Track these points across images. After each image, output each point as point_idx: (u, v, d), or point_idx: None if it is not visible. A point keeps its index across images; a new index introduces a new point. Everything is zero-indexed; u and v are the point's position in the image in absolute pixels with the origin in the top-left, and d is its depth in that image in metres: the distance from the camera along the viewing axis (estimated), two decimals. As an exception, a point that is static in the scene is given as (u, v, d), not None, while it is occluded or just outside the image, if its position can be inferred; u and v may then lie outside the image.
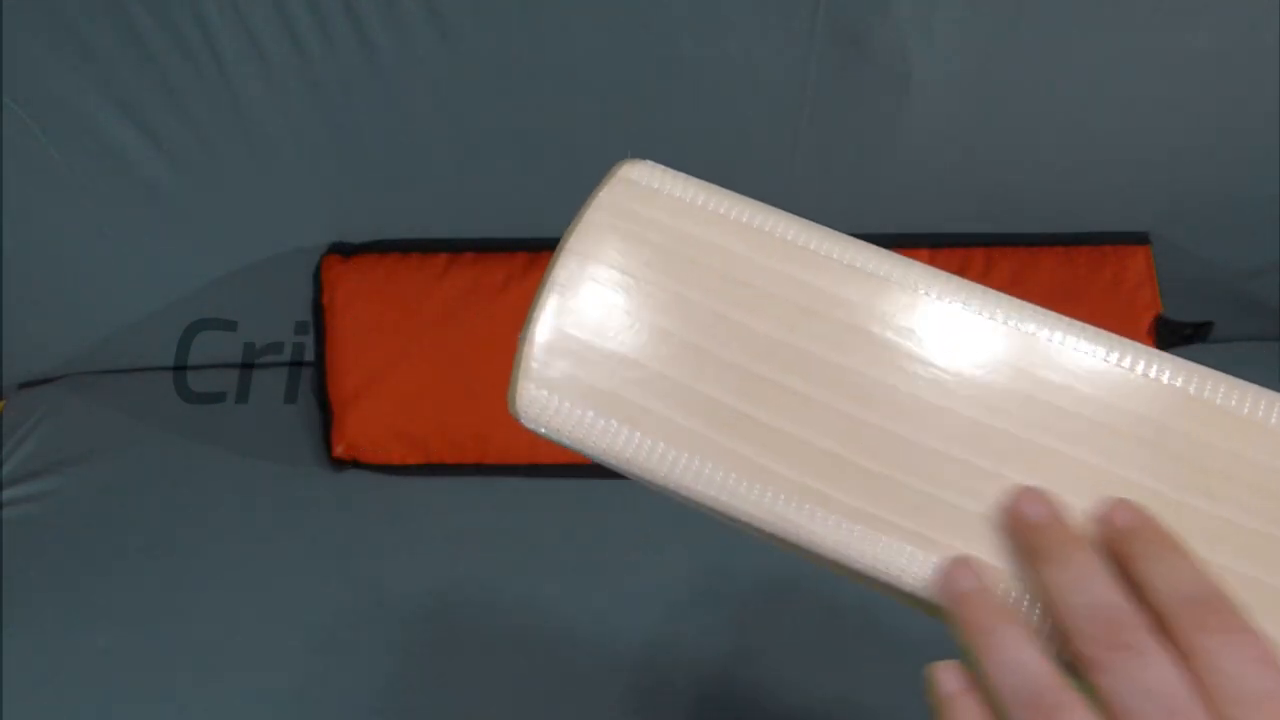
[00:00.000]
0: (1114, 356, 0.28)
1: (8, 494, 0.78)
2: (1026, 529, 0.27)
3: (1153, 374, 0.27)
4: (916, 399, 0.27)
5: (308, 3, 0.66)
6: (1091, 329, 0.28)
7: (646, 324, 0.28)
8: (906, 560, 0.26)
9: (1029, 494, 0.27)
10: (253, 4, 0.66)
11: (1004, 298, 0.28)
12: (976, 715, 0.25)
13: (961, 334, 0.28)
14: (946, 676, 0.26)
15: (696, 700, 0.63)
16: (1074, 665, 0.24)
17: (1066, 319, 0.28)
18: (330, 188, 0.77)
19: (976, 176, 0.75)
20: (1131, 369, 0.27)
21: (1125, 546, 0.26)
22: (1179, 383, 0.27)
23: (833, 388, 0.27)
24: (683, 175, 0.30)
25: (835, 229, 0.31)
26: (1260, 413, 0.26)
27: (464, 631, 0.69)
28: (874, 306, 0.28)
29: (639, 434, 0.27)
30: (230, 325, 0.84)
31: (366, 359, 0.78)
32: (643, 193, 0.30)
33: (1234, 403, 0.26)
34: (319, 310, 0.78)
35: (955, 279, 0.29)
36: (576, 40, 0.68)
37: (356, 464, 0.79)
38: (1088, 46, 0.68)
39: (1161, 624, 0.24)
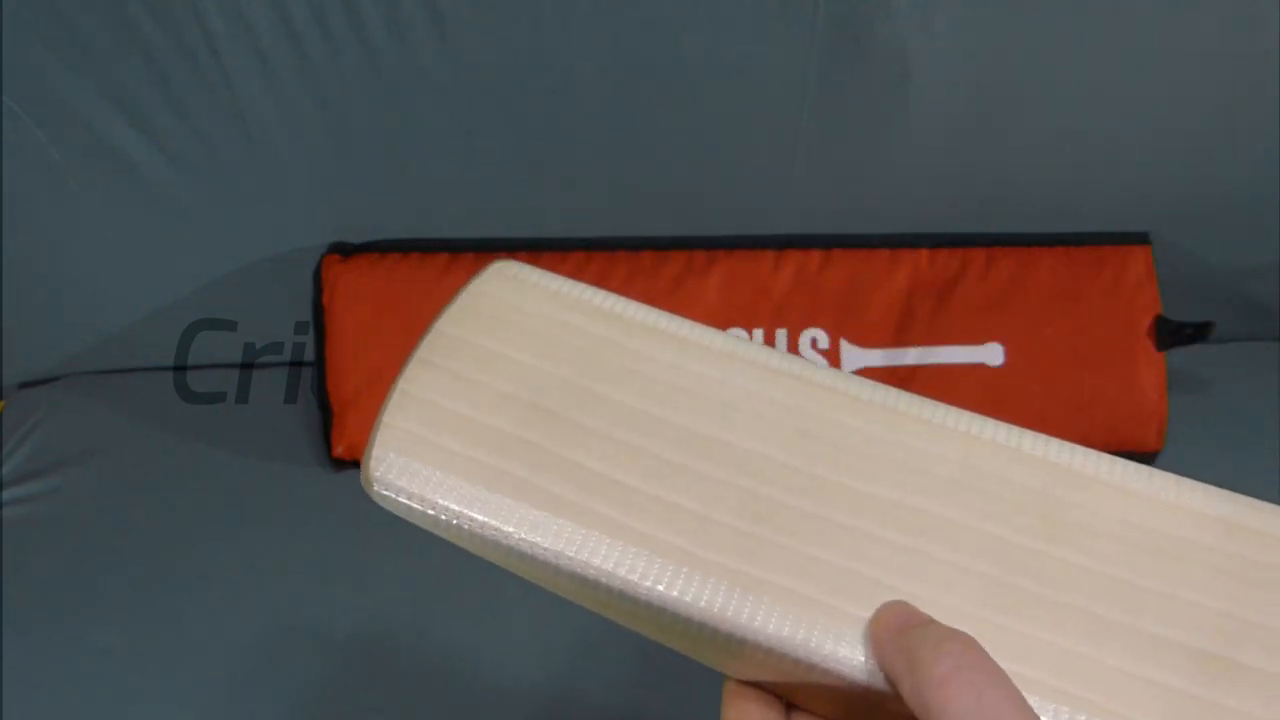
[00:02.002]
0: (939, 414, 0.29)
1: (8, 494, 0.78)
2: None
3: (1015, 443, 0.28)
4: (763, 457, 0.28)
5: (308, 3, 0.66)
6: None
7: (508, 395, 0.29)
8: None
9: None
10: (253, 4, 0.66)
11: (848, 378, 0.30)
12: None
13: (816, 403, 0.29)
14: None
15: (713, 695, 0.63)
16: None
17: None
18: (330, 188, 0.77)
19: (976, 176, 0.75)
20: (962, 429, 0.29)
21: None
22: (1039, 452, 0.28)
23: (690, 452, 0.28)
24: (549, 272, 0.33)
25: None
26: (1122, 477, 0.27)
27: (463, 632, 0.69)
28: (727, 379, 0.30)
29: (499, 495, 0.28)
30: (230, 325, 0.84)
31: (366, 359, 0.78)
32: (512, 282, 0.32)
33: (1095, 469, 0.27)
34: (319, 310, 0.78)
35: (789, 357, 0.30)
36: (576, 40, 0.68)
37: (356, 464, 0.79)
38: (1088, 46, 0.68)
39: None
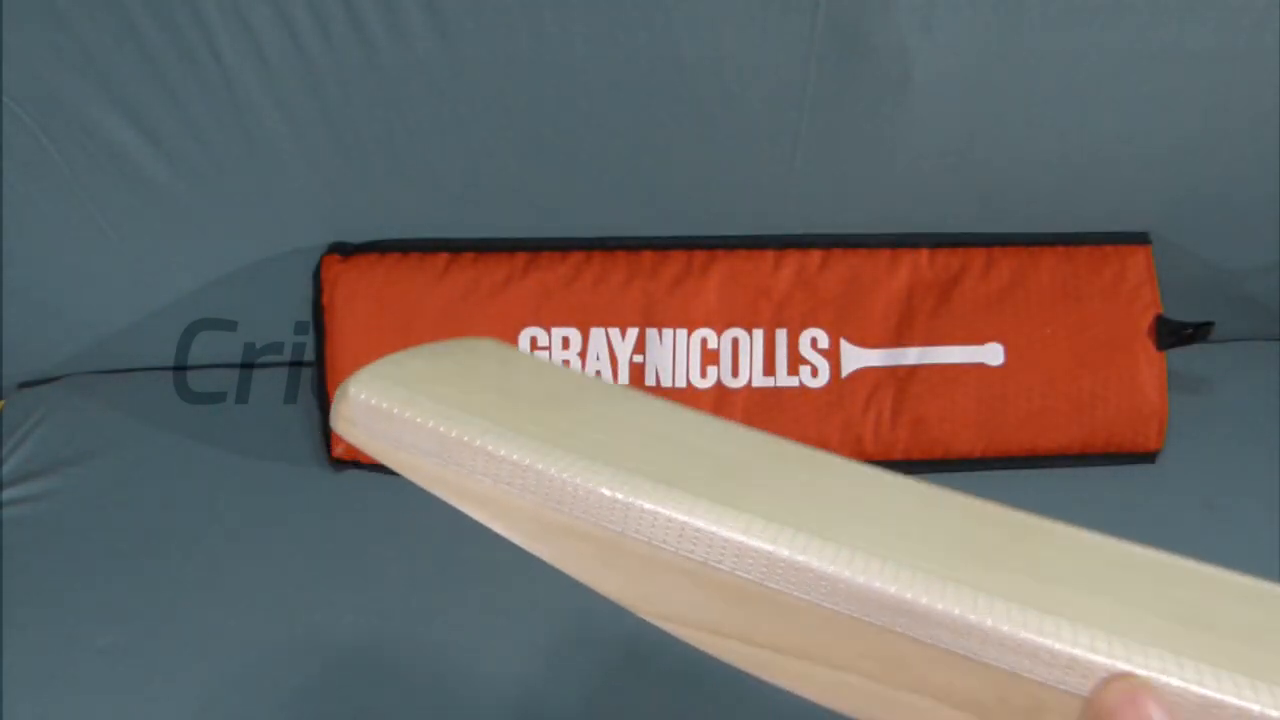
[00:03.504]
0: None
1: (8, 494, 0.78)
2: None
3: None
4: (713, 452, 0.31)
5: (308, 3, 0.66)
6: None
7: (469, 381, 0.32)
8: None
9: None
10: (253, 4, 0.66)
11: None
12: None
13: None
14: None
15: (709, 695, 0.63)
16: None
17: None
18: (330, 188, 0.77)
19: (976, 176, 0.75)
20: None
21: None
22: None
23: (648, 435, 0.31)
24: (516, 349, 0.38)
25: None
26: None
27: (463, 631, 0.69)
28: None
29: (474, 415, 0.29)
30: (230, 325, 0.84)
31: (366, 359, 0.77)
32: (479, 343, 0.36)
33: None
34: (319, 310, 0.78)
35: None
36: (576, 40, 0.68)
37: (357, 464, 0.79)
38: (1088, 46, 0.68)
39: None
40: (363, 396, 0.30)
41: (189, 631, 0.69)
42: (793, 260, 0.78)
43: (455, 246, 0.79)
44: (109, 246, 0.78)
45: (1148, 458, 0.77)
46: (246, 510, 0.77)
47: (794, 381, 0.77)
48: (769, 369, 0.77)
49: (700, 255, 0.78)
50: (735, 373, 0.77)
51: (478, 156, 0.74)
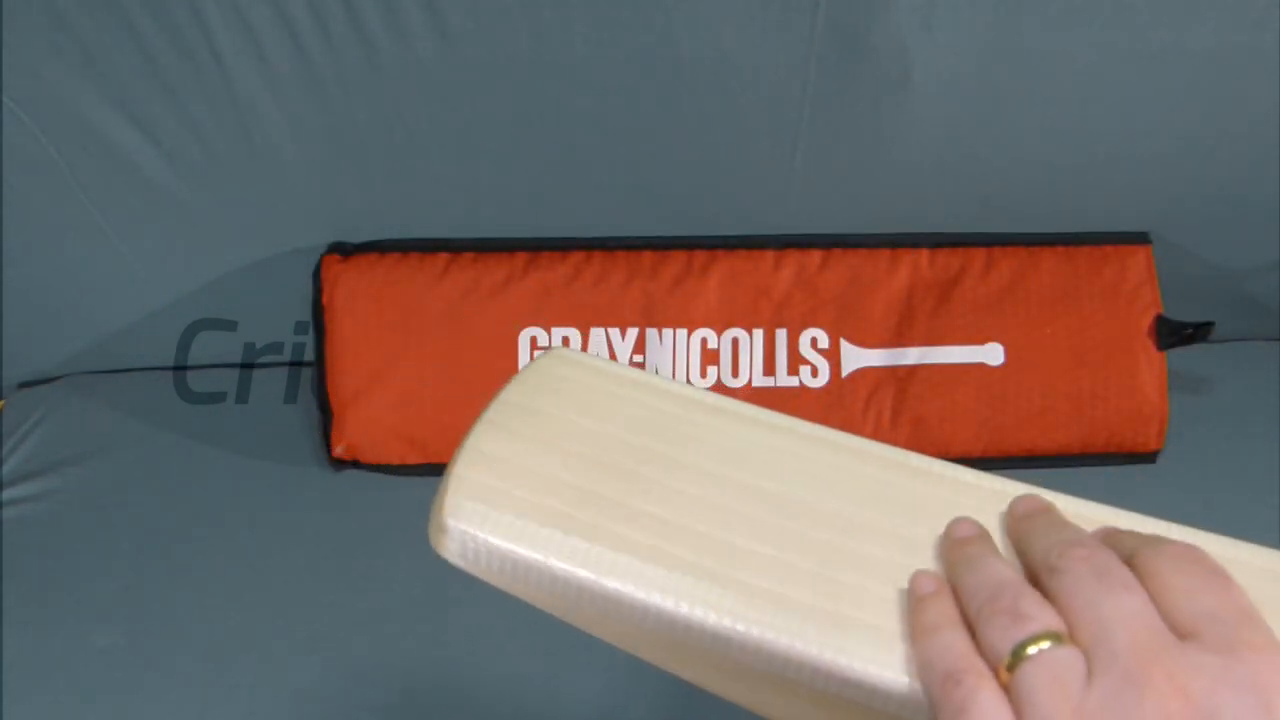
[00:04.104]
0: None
1: (8, 494, 0.78)
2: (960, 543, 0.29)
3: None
4: (826, 509, 0.30)
5: (308, 3, 0.66)
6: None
7: (573, 453, 0.31)
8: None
9: (965, 521, 0.29)
10: (253, 4, 0.66)
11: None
12: (943, 607, 0.26)
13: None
14: (924, 580, 0.27)
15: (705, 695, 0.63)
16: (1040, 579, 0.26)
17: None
18: (330, 188, 0.77)
19: (976, 176, 0.75)
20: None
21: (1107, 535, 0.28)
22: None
23: (755, 503, 0.30)
24: (600, 356, 0.36)
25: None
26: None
27: (463, 631, 0.69)
28: (770, 443, 0.32)
29: (571, 537, 0.28)
30: (230, 325, 0.84)
31: (366, 359, 0.78)
32: (568, 363, 0.35)
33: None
34: (319, 310, 0.78)
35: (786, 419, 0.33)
36: (576, 40, 0.68)
37: (356, 464, 0.79)
38: (1088, 46, 0.68)
39: (1127, 561, 0.25)
40: (461, 527, 0.29)
41: (189, 631, 0.69)
42: (793, 260, 0.78)
43: (455, 246, 0.79)
44: (109, 246, 0.78)
45: (1148, 458, 0.77)
46: (246, 510, 0.77)
47: (794, 381, 0.77)
48: (769, 369, 0.77)
49: (700, 255, 0.78)
50: (735, 373, 0.77)
51: (478, 156, 0.74)
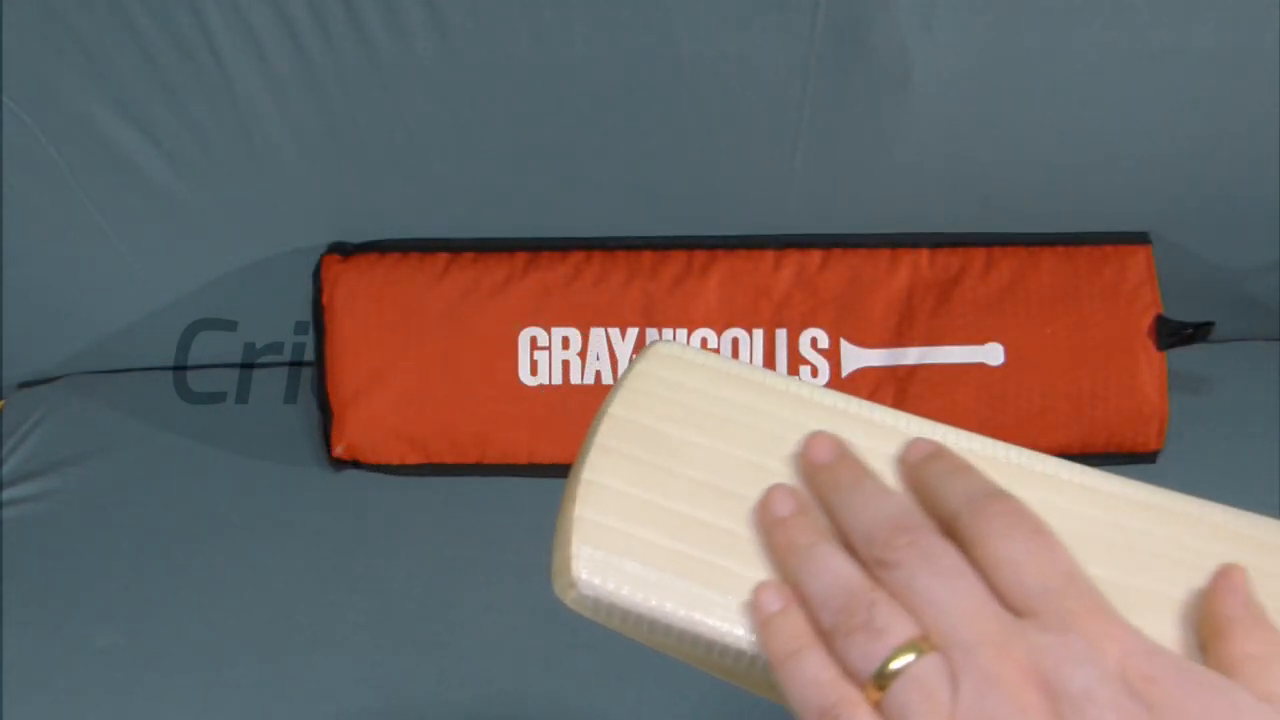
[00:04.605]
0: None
1: (8, 494, 0.78)
2: (818, 469, 0.29)
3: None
4: None
5: (308, 3, 0.66)
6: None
7: (693, 480, 0.29)
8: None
9: (822, 437, 0.29)
10: (253, 4, 0.66)
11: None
12: (796, 626, 0.26)
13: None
14: (767, 596, 0.27)
15: (704, 696, 0.63)
16: (873, 573, 0.26)
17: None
18: (330, 188, 0.77)
19: (976, 176, 0.75)
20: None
21: (923, 472, 0.28)
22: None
23: None
24: (706, 351, 0.33)
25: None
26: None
27: (463, 631, 0.69)
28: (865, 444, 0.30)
29: (700, 585, 0.27)
30: (230, 325, 0.84)
31: (366, 359, 0.78)
32: (673, 362, 0.33)
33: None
34: (319, 310, 0.78)
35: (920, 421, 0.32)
36: (576, 40, 0.68)
37: (356, 464, 0.79)
38: (1088, 46, 0.68)
39: (949, 527, 0.26)
40: (590, 580, 0.28)
41: (189, 631, 0.69)
42: (793, 260, 0.78)
43: (455, 246, 0.79)
44: (109, 246, 0.78)
45: (1148, 458, 0.77)
46: (246, 510, 0.77)
47: (794, 381, 0.77)
48: (769, 369, 0.77)
49: (700, 255, 0.78)
50: (735, 373, 0.77)
51: (478, 156, 0.74)
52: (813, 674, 0.25)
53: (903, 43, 0.67)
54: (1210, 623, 0.26)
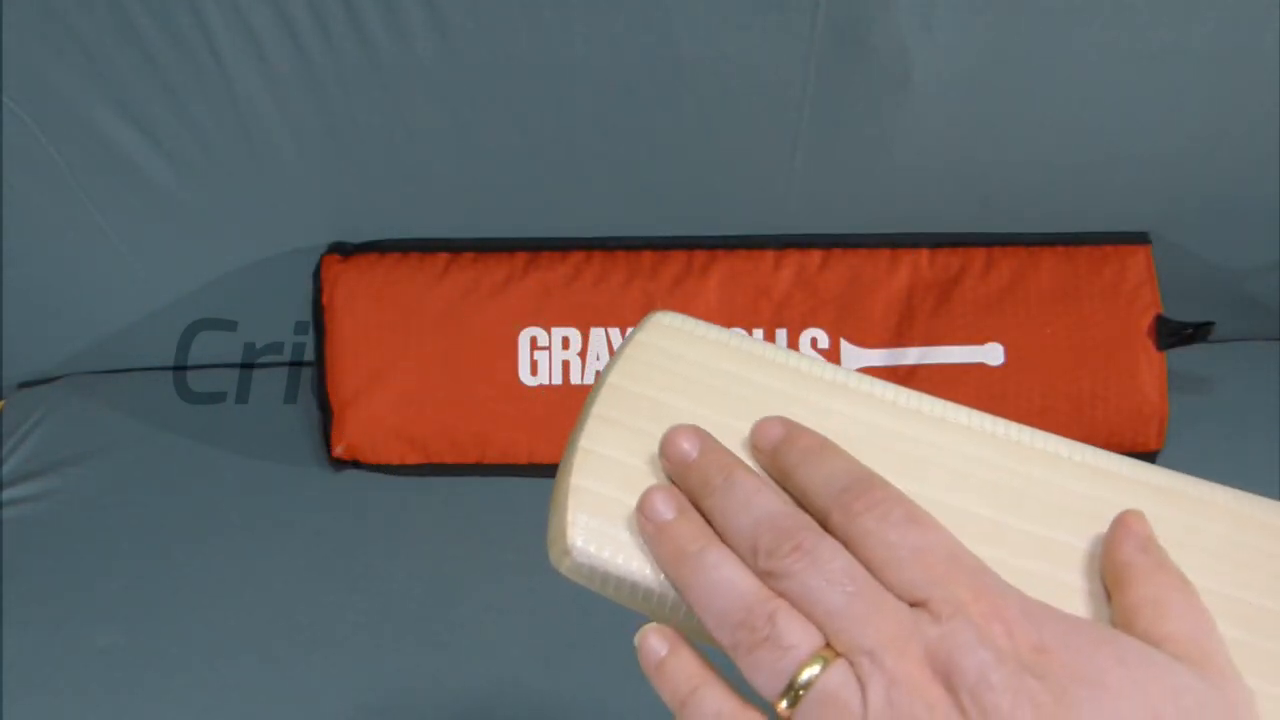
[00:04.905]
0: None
1: (8, 494, 0.78)
2: (686, 468, 0.28)
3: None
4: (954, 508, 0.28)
5: (308, 3, 0.66)
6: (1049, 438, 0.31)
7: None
8: None
9: (681, 430, 0.28)
10: (253, 4, 0.66)
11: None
12: (689, 670, 0.26)
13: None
14: (652, 641, 0.26)
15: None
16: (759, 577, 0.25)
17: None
18: (330, 188, 0.77)
19: (976, 176, 0.75)
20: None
21: (781, 460, 0.28)
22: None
23: None
24: (704, 321, 0.33)
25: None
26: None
27: (463, 631, 0.69)
28: (865, 417, 0.30)
29: None
30: (230, 325, 0.84)
31: (366, 359, 0.78)
32: (671, 332, 0.33)
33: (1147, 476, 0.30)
34: (319, 310, 0.78)
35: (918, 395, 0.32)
36: (576, 40, 0.68)
37: (356, 464, 0.79)
38: (1088, 46, 0.68)
39: (824, 521, 0.26)
40: (585, 548, 0.28)
41: (189, 631, 0.69)
42: (793, 260, 0.78)
43: (455, 246, 0.79)
44: (109, 246, 0.78)
45: (1148, 458, 0.77)
46: (246, 510, 0.77)
47: (794, 381, 0.77)
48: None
49: (700, 255, 0.78)
50: (735, 373, 0.77)
51: (478, 156, 0.74)
52: (714, 709, 0.25)
53: (903, 43, 0.67)
54: (1111, 571, 0.26)
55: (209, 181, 0.75)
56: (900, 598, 0.24)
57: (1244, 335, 0.85)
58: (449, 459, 0.78)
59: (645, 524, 0.27)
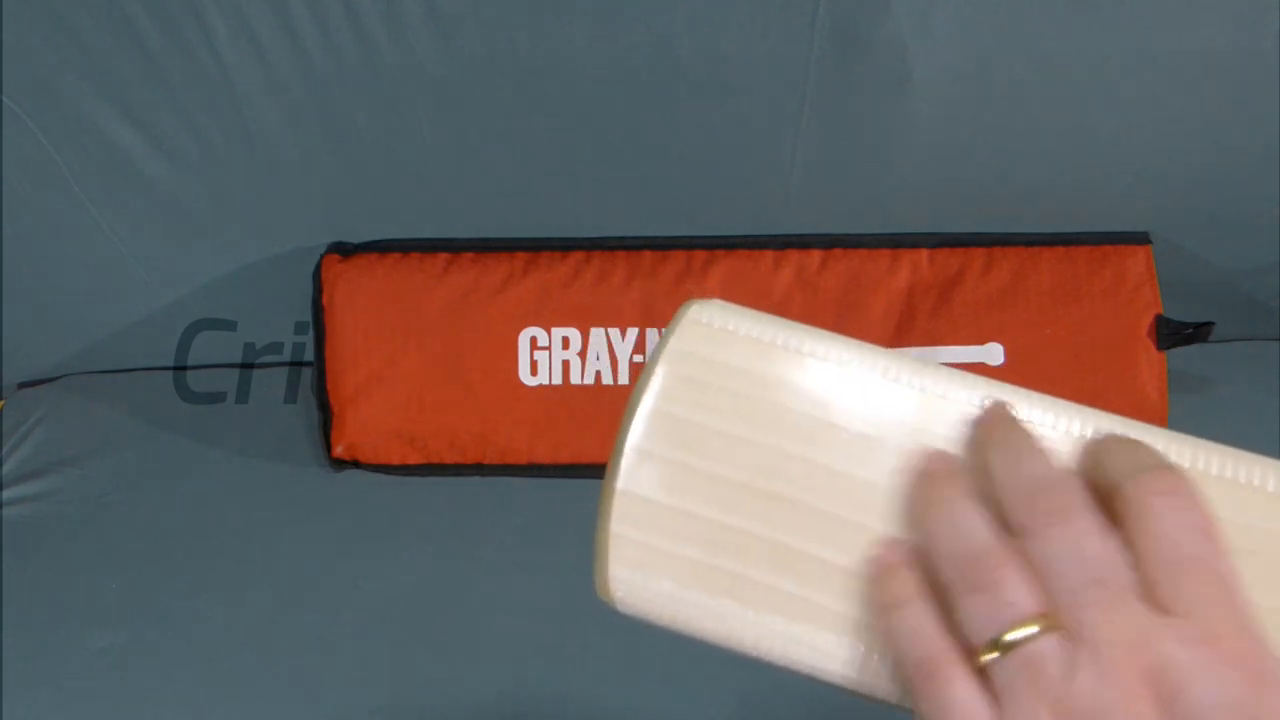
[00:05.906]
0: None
1: (8, 494, 0.78)
2: (979, 427, 0.29)
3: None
4: None
5: (308, 3, 0.66)
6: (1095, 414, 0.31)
7: (733, 482, 0.27)
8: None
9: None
10: (253, 4, 0.66)
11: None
12: (906, 578, 0.25)
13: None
14: (890, 550, 0.26)
15: (716, 692, 0.63)
16: (1011, 534, 0.24)
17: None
18: (330, 188, 0.77)
19: (977, 176, 0.75)
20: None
21: (1092, 446, 0.28)
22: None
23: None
24: (749, 313, 0.29)
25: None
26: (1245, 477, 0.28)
27: (463, 632, 0.69)
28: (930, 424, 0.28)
29: (739, 605, 0.27)
30: (230, 325, 0.84)
31: (366, 359, 0.78)
32: (713, 335, 0.28)
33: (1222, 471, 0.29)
34: (319, 310, 0.78)
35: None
36: (576, 40, 0.68)
37: (356, 464, 0.79)
38: (1088, 46, 0.68)
39: (1113, 489, 0.24)
40: (626, 600, 0.27)
41: (188, 631, 0.69)
42: (793, 260, 0.78)
43: (455, 246, 0.79)
44: (109, 246, 0.78)
45: (1147, 458, 0.77)
46: (246, 510, 0.77)
47: (794, 381, 0.77)
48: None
49: (700, 255, 0.78)
50: (735, 373, 0.77)
51: (478, 156, 0.74)
52: (914, 624, 0.24)
53: (903, 43, 0.67)
54: None
55: (209, 182, 0.75)
56: (1152, 598, 0.22)
57: (1244, 335, 0.85)
58: (449, 459, 0.78)
59: (910, 478, 0.27)
